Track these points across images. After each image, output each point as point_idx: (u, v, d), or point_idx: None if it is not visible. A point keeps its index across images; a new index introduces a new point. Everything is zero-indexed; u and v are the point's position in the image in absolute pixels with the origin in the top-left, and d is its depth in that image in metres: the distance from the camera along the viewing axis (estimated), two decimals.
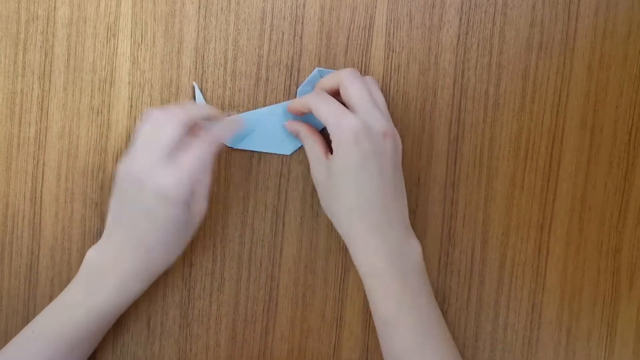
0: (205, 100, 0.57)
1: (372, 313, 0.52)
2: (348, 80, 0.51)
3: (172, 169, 0.49)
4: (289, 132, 0.56)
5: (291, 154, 0.57)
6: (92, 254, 0.53)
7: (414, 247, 0.52)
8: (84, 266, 0.53)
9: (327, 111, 0.50)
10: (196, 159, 0.49)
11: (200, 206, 0.52)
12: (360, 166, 0.49)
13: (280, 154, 0.57)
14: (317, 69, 0.56)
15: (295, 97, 0.56)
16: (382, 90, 0.54)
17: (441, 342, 0.52)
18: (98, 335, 0.54)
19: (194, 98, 0.56)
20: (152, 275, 0.53)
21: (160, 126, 0.50)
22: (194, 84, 0.56)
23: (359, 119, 0.49)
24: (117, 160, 0.57)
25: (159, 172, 0.49)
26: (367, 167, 0.49)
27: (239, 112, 0.57)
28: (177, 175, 0.49)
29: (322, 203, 0.53)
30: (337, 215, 0.52)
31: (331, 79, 0.53)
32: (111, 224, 0.53)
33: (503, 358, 0.58)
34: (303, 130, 0.54)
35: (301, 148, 0.56)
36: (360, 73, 0.56)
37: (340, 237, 0.57)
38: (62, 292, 0.53)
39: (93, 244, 0.57)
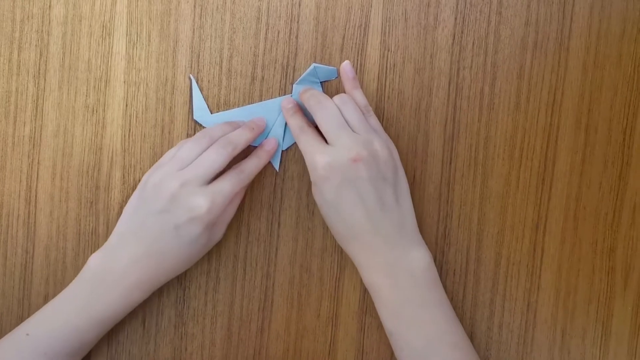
0: (201, 94, 0.57)
1: None
2: (315, 108, 0.53)
3: (208, 193, 0.51)
4: (284, 127, 0.56)
5: (286, 149, 0.57)
6: (96, 260, 0.53)
7: (417, 259, 0.52)
8: (87, 272, 0.53)
9: (303, 148, 0.53)
10: (231, 188, 0.52)
11: (219, 232, 0.54)
12: (336, 199, 0.51)
13: None
14: (313, 64, 0.56)
15: (291, 94, 0.57)
16: (366, 96, 0.55)
17: (450, 350, 0.52)
18: (95, 341, 0.54)
19: (191, 93, 0.56)
20: (155, 287, 0.54)
21: (210, 152, 0.52)
22: (191, 76, 0.56)
23: (327, 154, 0.51)
24: (112, 159, 0.57)
25: (195, 192, 0.51)
26: (343, 197, 0.51)
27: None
28: (212, 199, 0.51)
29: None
30: (336, 238, 0.54)
31: (306, 100, 0.54)
32: (125, 233, 0.53)
33: (498, 357, 0.58)
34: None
35: (296, 144, 0.57)
36: (356, 72, 0.56)
37: None
38: (60, 297, 0.53)
39: (88, 243, 0.57)
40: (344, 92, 0.55)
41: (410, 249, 0.52)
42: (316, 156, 0.51)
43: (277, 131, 0.57)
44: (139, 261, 0.52)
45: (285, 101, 0.56)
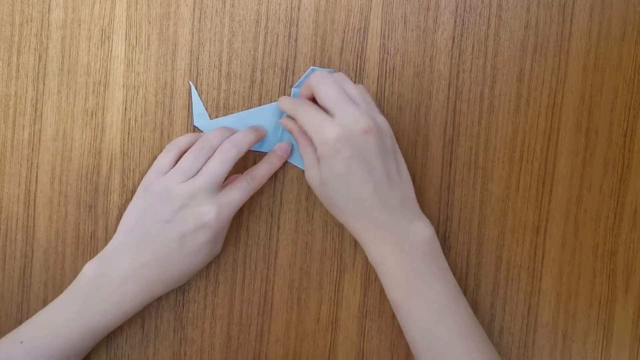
0: (201, 100, 0.56)
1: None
2: (317, 84, 0.52)
3: (216, 201, 0.51)
4: (282, 131, 0.56)
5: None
6: (92, 269, 0.52)
7: (421, 231, 0.52)
8: (82, 280, 0.52)
9: (307, 121, 0.51)
10: (241, 197, 0.53)
11: (220, 244, 0.54)
12: (346, 173, 0.50)
13: None
14: (311, 67, 0.56)
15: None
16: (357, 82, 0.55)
17: (456, 323, 0.51)
18: (89, 348, 0.53)
19: (190, 97, 0.56)
20: (151, 299, 0.53)
21: (215, 160, 0.52)
22: (190, 83, 0.56)
23: (337, 126, 0.49)
24: (111, 162, 0.57)
25: (204, 201, 0.51)
26: (353, 171, 0.50)
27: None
28: (219, 207, 0.51)
29: (323, 201, 0.53)
30: (338, 216, 0.53)
31: (305, 87, 0.53)
32: (126, 241, 0.52)
33: None
34: (296, 129, 0.54)
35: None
36: (355, 75, 0.56)
37: (335, 240, 0.57)
38: (54, 304, 0.52)
39: (87, 247, 0.57)
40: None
41: (413, 220, 0.52)
42: (326, 128, 0.50)
43: (273, 135, 0.57)
44: (138, 270, 0.51)
45: (283, 121, 0.56)
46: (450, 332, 0.50)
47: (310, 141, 0.53)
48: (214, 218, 0.51)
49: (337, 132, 0.49)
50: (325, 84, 0.51)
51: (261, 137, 0.55)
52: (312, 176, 0.52)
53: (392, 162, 0.51)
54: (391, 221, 0.51)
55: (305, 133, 0.53)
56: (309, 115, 0.51)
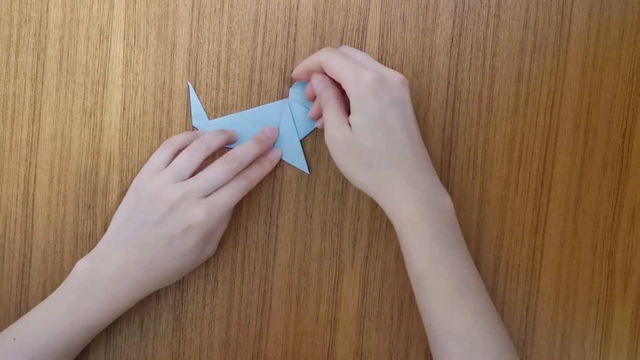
0: (199, 100, 0.56)
1: (407, 268, 0.51)
2: (348, 50, 0.53)
3: (206, 204, 0.51)
4: (281, 131, 0.56)
5: (302, 139, 0.57)
6: (84, 266, 0.52)
7: (446, 199, 0.51)
8: (74, 278, 0.52)
9: (342, 67, 0.50)
10: (231, 199, 0.52)
11: (212, 247, 0.54)
12: (383, 117, 0.49)
13: None
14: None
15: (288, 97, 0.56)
16: None
17: (474, 296, 0.50)
18: (82, 345, 0.53)
19: (189, 97, 0.56)
20: (142, 296, 0.53)
21: (215, 168, 0.52)
22: (189, 83, 0.56)
23: (374, 72, 0.50)
24: (109, 162, 0.57)
25: (194, 204, 0.51)
26: (390, 116, 0.49)
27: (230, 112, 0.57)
28: (210, 209, 0.51)
29: (346, 166, 0.51)
30: (365, 170, 0.50)
31: (309, 64, 0.53)
32: (116, 240, 0.52)
33: None
34: (329, 92, 0.52)
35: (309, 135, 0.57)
36: None
37: (334, 240, 0.57)
38: (47, 301, 0.52)
39: (85, 247, 0.57)
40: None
41: (440, 188, 0.51)
42: (360, 74, 0.49)
43: (284, 132, 0.56)
44: (128, 269, 0.51)
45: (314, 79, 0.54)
46: (468, 307, 0.49)
47: (341, 101, 0.52)
48: (202, 220, 0.51)
49: (375, 76, 0.49)
50: (357, 50, 0.53)
51: (265, 149, 0.55)
52: (337, 134, 0.50)
53: (417, 125, 0.52)
54: (422, 178, 0.50)
55: (338, 95, 0.52)
56: (344, 61, 0.50)
